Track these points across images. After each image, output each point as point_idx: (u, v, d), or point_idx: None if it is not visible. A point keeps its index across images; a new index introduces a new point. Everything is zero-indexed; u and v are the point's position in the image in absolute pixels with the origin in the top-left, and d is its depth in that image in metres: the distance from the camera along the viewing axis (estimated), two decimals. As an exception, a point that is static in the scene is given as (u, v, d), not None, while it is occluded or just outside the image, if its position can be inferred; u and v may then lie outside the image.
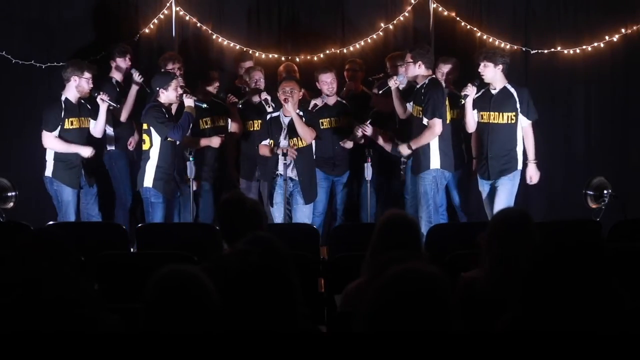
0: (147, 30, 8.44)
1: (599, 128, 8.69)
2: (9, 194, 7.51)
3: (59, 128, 7.19)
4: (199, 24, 8.50)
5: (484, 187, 7.26)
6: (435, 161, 7.14)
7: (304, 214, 7.16)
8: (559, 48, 8.57)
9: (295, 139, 7.11)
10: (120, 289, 4.69)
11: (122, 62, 7.84)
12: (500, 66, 7.05)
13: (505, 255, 3.45)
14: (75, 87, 7.21)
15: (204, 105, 7.19)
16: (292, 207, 7.25)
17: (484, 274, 3.51)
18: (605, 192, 7.52)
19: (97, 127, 7.39)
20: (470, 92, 7.13)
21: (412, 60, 7.23)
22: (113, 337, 2.53)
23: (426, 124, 7.07)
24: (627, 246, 5.17)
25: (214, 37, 8.49)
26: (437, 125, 7.07)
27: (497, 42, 8.52)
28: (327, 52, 8.50)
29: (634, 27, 8.56)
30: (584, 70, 8.58)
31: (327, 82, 7.57)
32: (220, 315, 2.48)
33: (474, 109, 7.19)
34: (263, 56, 8.44)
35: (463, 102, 7.16)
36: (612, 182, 7.65)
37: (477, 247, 3.62)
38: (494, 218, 3.72)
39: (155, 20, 8.44)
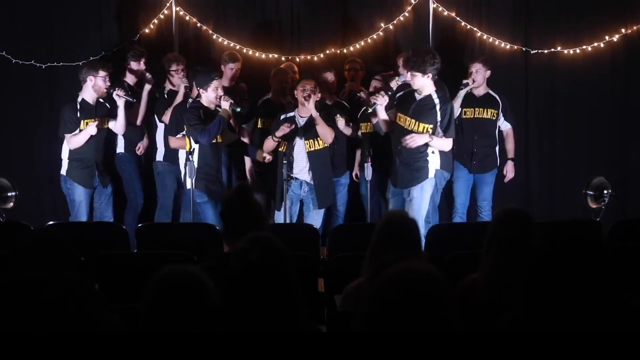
0: (147, 30, 8.44)
1: (599, 128, 8.69)
2: (9, 194, 7.52)
3: (78, 129, 7.20)
4: (199, 24, 8.50)
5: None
6: (435, 163, 7.13)
7: (315, 220, 7.06)
8: (559, 48, 8.58)
9: (311, 140, 7.04)
10: (120, 289, 4.69)
11: (136, 65, 7.82)
12: (430, 74, 6.64)
13: (506, 256, 3.45)
14: (92, 87, 7.22)
15: (238, 109, 7.07)
16: (305, 212, 7.19)
17: (484, 275, 3.51)
18: (605, 192, 7.53)
19: (118, 124, 7.39)
20: (382, 102, 6.78)
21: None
22: (113, 337, 2.53)
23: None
24: (627, 246, 5.17)
25: (214, 37, 8.49)
26: (449, 143, 6.95)
27: (497, 42, 8.54)
28: (327, 52, 8.50)
29: (634, 27, 8.57)
30: (584, 70, 8.58)
31: (328, 82, 7.57)
32: (221, 315, 2.48)
33: (392, 108, 6.87)
34: (263, 56, 8.45)
35: (370, 110, 6.88)
36: (612, 182, 7.65)
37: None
38: (494, 218, 3.70)
39: (155, 20, 8.44)
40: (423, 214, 6.74)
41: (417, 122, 6.72)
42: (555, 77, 8.67)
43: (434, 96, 6.72)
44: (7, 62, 8.32)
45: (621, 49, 8.59)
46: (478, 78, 7.61)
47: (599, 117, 8.69)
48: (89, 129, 7.18)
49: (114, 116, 7.37)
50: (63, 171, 7.31)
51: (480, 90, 7.68)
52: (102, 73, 7.21)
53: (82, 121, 7.22)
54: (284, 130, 6.90)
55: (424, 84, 6.68)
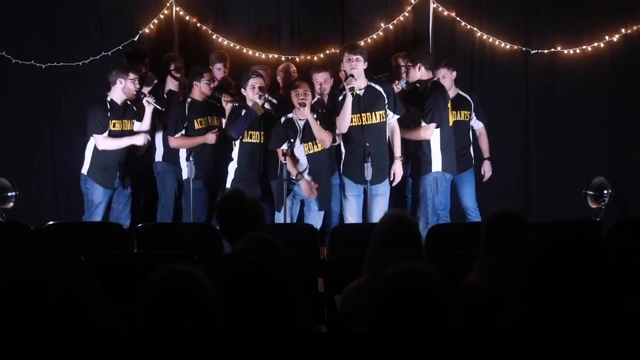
0: (147, 30, 8.44)
1: (599, 128, 8.69)
2: (9, 194, 7.51)
3: (108, 129, 7.23)
4: (199, 24, 8.50)
5: (353, 191, 7.08)
6: (436, 164, 7.15)
7: (316, 220, 7.07)
8: (559, 48, 8.58)
9: (310, 142, 7.05)
10: (120, 289, 4.68)
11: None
12: (366, 63, 6.99)
13: (503, 258, 3.44)
14: (122, 89, 7.25)
15: (274, 101, 7.18)
16: (305, 213, 7.21)
17: (482, 278, 3.50)
18: (605, 192, 7.53)
19: (142, 129, 7.43)
20: (357, 84, 6.90)
21: (411, 64, 7.26)
22: (113, 337, 2.53)
23: (423, 125, 7.13)
24: (627, 246, 5.17)
25: (214, 37, 8.49)
26: (430, 129, 7.13)
27: (497, 42, 8.54)
28: (327, 52, 8.50)
29: (634, 27, 8.57)
30: (584, 70, 8.58)
31: (320, 82, 7.55)
32: (219, 315, 2.48)
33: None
34: (263, 56, 8.44)
35: (354, 95, 6.86)
36: (612, 182, 7.65)
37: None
38: (487, 221, 3.67)
39: (155, 20, 8.44)
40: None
41: (371, 114, 6.98)
42: (555, 77, 8.67)
43: (372, 84, 7.04)
44: (7, 62, 8.32)
45: (621, 49, 8.59)
46: (446, 83, 7.53)
47: (598, 117, 8.69)
48: (136, 140, 7.26)
49: (139, 119, 7.41)
50: (84, 170, 7.31)
51: (451, 93, 7.58)
52: (132, 76, 7.26)
53: (110, 122, 7.25)
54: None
55: (362, 74, 6.95)
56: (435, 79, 7.35)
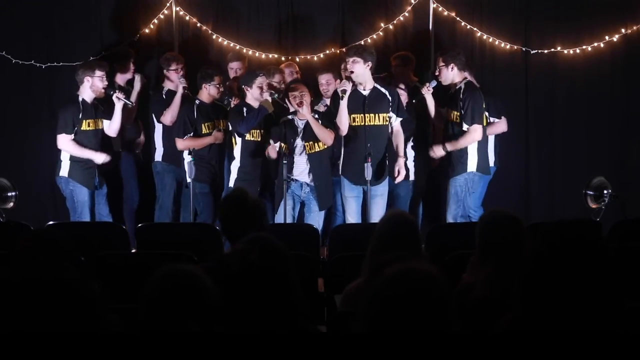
0: (147, 30, 8.44)
1: (599, 128, 8.69)
2: (9, 194, 7.50)
3: (75, 130, 7.18)
4: (199, 24, 8.50)
5: (352, 192, 7.10)
6: (472, 164, 7.11)
7: (316, 221, 7.07)
8: (559, 48, 8.57)
9: (311, 142, 7.07)
10: (120, 289, 4.68)
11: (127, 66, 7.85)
12: (370, 64, 6.94)
13: (502, 260, 3.44)
14: (90, 87, 7.20)
15: (275, 96, 7.22)
16: (305, 214, 7.21)
17: (478, 279, 3.50)
18: (605, 192, 7.52)
19: (113, 126, 7.37)
20: (348, 87, 6.92)
21: (444, 64, 7.14)
22: (113, 337, 2.53)
23: (465, 129, 7.06)
24: (627, 246, 5.17)
25: (214, 37, 8.49)
26: (477, 131, 7.06)
27: (497, 42, 8.53)
28: (327, 52, 8.50)
29: (634, 27, 8.56)
30: (584, 70, 8.58)
31: (323, 83, 7.57)
32: (220, 315, 2.48)
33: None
34: (263, 56, 8.45)
35: (343, 98, 6.89)
36: (612, 182, 7.65)
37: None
38: (483, 224, 3.66)
39: (155, 20, 8.44)
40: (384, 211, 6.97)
41: (375, 115, 7.01)
42: (555, 77, 8.66)
43: (378, 86, 7.06)
44: (7, 62, 8.32)
45: (621, 49, 8.59)
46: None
47: (598, 117, 8.69)
48: (96, 157, 7.20)
49: (109, 117, 7.36)
50: (64, 172, 7.24)
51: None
52: (98, 73, 7.20)
53: (83, 121, 7.21)
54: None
55: (365, 75, 6.95)
56: (469, 79, 7.29)
